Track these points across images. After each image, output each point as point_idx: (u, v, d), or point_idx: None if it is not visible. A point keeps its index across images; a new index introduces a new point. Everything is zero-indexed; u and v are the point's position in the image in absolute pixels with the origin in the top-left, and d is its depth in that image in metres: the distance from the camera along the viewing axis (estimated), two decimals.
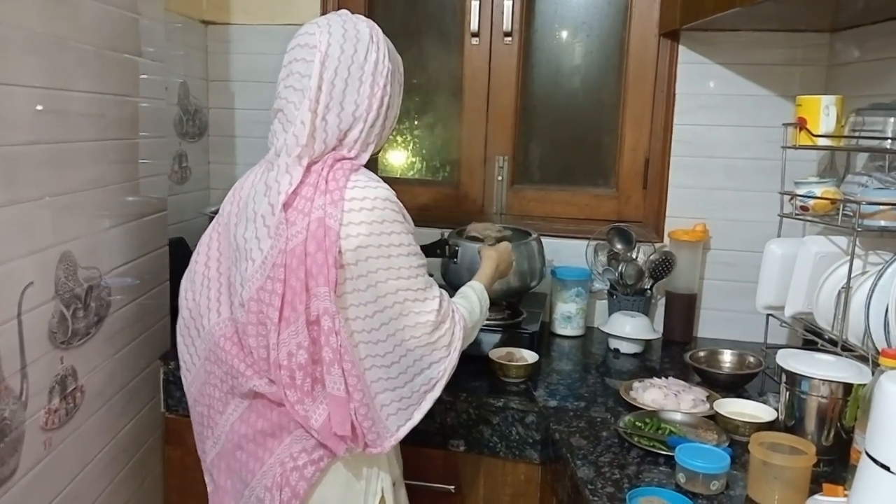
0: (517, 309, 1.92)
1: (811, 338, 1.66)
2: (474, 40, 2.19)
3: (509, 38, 2.17)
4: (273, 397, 1.19)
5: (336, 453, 1.19)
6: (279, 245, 1.14)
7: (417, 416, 1.25)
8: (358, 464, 1.26)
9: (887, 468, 0.92)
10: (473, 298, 1.39)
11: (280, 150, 1.20)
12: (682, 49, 2.03)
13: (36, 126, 1.26)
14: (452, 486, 1.63)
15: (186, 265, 2.01)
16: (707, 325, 2.09)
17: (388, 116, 1.26)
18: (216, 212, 1.97)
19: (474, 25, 2.16)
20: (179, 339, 1.33)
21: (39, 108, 1.26)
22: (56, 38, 1.30)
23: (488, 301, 1.44)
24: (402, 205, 1.24)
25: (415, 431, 1.60)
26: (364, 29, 1.22)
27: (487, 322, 1.77)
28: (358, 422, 1.17)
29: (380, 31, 1.25)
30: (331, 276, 1.12)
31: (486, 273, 1.51)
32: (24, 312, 1.24)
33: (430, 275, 1.28)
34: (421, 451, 1.63)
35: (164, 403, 1.79)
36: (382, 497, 1.29)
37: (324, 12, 2.19)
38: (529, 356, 1.72)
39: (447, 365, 1.26)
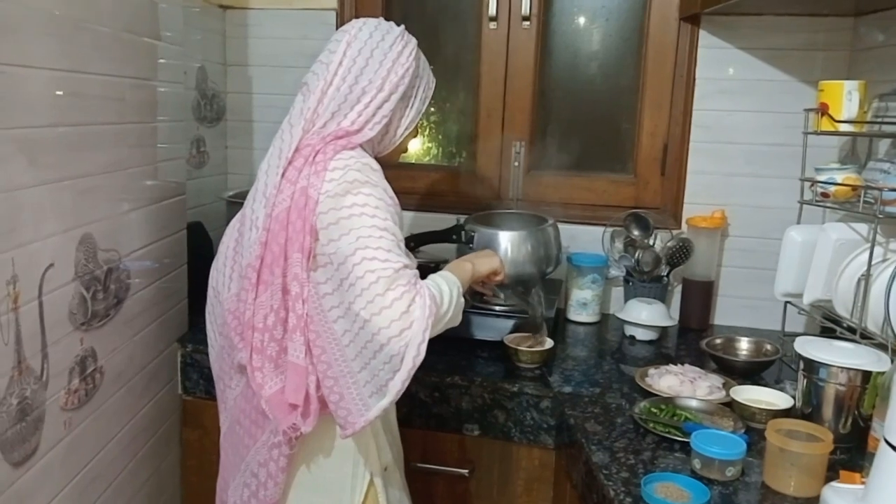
0: None
1: (829, 325, 1.65)
2: (492, 24, 2.17)
3: (527, 23, 2.15)
4: (248, 367, 1.21)
5: (279, 427, 1.19)
6: (267, 211, 1.19)
7: (384, 402, 1.15)
8: (343, 448, 1.27)
9: None
10: (440, 282, 1.26)
11: (296, 118, 1.25)
12: (702, 33, 2.01)
13: (55, 109, 1.27)
14: (467, 470, 1.64)
15: (204, 249, 2.04)
16: (724, 313, 2.08)
17: (401, 110, 1.30)
18: (234, 196, 2.01)
19: (492, 10, 2.15)
20: (207, 318, 1.38)
21: (59, 91, 1.27)
22: (74, 21, 1.31)
23: (459, 286, 1.29)
24: (380, 175, 1.22)
25: (429, 415, 1.63)
26: (397, 28, 1.30)
27: (503, 307, 1.79)
28: (318, 395, 1.17)
29: (415, 42, 1.31)
30: (305, 244, 1.15)
31: (452, 264, 1.40)
32: (45, 294, 1.25)
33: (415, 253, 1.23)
34: (436, 435, 1.64)
35: (182, 385, 1.81)
36: (371, 481, 1.30)
37: None
38: (544, 342, 1.72)
39: (408, 339, 1.12)
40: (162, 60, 1.65)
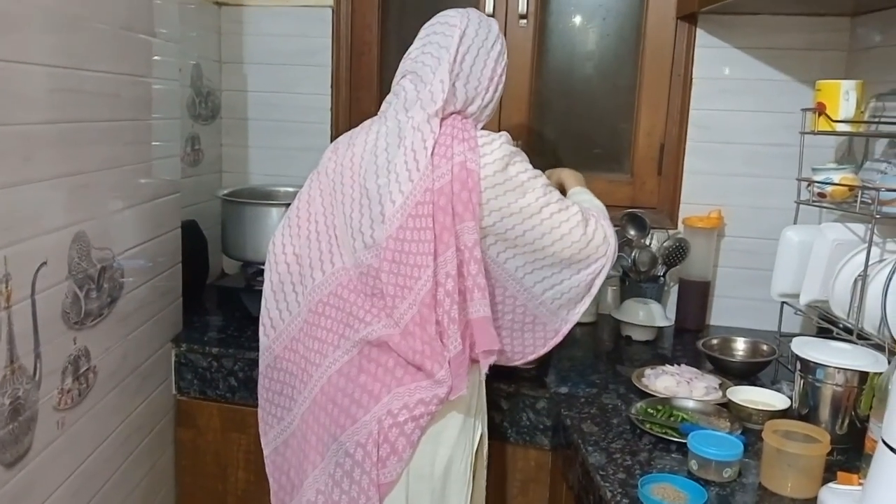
0: None
1: (826, 326, 1.64)
2: None
3: (524, 21, 2.14)
4: (389, 340, 1.25)
5: (457, 388, 1.23)
6: (425, 185, 1.25)
7: (581, 307, 1.40)
8: (471, 403, 1.31)
9: None
10: (584, 196, 1.50)
11: (412, 104, 1.32)
12: (699, 32, 2.01)
13: (51, 105, 1.25)
14: None
15: (198, 247, 2.03)
16: (720, 313, 2.08)
17: (496, 102, 1.40)
18: (229, 194, 2.00)
19: (489, 7, 2.14)
20: (270, 296, 1.41)
21: (55, 86, 1.26)
22: (72, 17, 1.30)
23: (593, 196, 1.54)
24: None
25: None
26: (494, 24, 1.40)
27: None
28: (517, 333, 1.38)
29: (501, 32, 1.42)
30: (476, 212, 1.25)
31: (573, 181, 1.60)
32: (38, 292, 1.24)
33: None
34: None
35: (176, 385, 1.80)
36: (482, 432, 1.36)
37: None
38: None
39: (608, 256, 1.36)
40: (157, 57, 1.64)
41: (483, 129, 1.36)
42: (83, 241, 1.37)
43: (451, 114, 1.32)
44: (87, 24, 1.35)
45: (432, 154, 1.26)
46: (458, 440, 1.29)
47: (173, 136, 1.78)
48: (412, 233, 1.24)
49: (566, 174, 1.64)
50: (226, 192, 2.03)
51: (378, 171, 1.30)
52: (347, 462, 1.26)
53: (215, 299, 2.08)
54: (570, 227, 1.31)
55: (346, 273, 1.32)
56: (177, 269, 1.80)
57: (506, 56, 1.40)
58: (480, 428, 1.35)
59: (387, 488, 1.24)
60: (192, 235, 1.98)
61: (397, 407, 1.24)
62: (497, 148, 1.29)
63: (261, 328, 1.42)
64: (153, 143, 1.65)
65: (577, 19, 2.20)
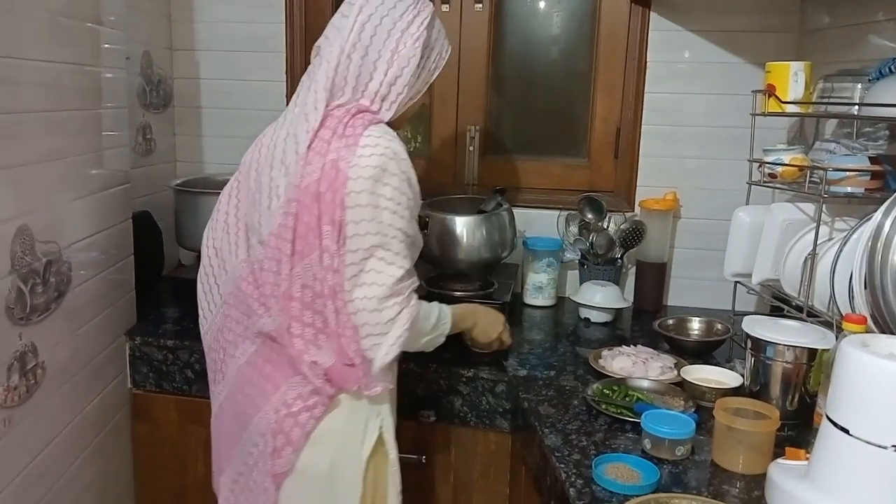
0: (488, 280, 1.91)
1: (778, 304, 1.67)
2: (444, 7, 2.15)
3: (480, 6, 2.13)
4: (276, 335, 1.22)
5: (343, 386, 1.22)
6: (294, 182, 1.18)
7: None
8: (358, 404, 1.27)
9: (846, 431, 0.93)
10: (434, 311, 1.32)
11: (314, 83, 1.24)
12: (653, 16, 2.02)
13: None
14: (423, 457, 1.63)
15: (152, 238, 2.00)
16: (677, 294, 2.10)
17: (411, 83, 1.25)
18: (182, 184, 1.96)
19: None
20: (199, 287, 1.37)
21: None
22: (6, 4, 1.25)
23: (448, 328, 1.35)
24: (408, 162, 1.22)
25: None
26: None
27: (459, 293, 1.78)
28: (351, 358, 1.21)
29: (430, 9, 1.28)
30: (336, 217, 1.17)
31: (460, 308, 1.45)
32: None
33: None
34: None
35: (132, 379, 1.77)
36: (380, 436, 1.30)
37: None
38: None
39: (381, 341, 1.20)
40: (106, 45, 1.60)
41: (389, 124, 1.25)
42: (26, 235, 1.33)
43: (350, 101, 1.22)
44: (21, 11, 1.30)
45: (310, 149, 1.19)
46: (343, 442, 1.26)
47: (122, 125, 1.73)
48: (286, 230, 1.19)
49: (469, 305, 1.54)
50: (179, 181, 1.99)
51: (273, 163, 1.24)
52: (255, 452, 1.26)
53: (171, 291, 2.05)
54: (374, 280, 1.19)
55: (246, 266, 1.26)
56: (129, 261, 1.77)
57: (423, 28, 1.24)
58: (377, 431, 1.28)
59: (281, 478, 1.24)
60: (145, 227, 1.94)
61: (292, 397, 1.22)
62: (378, 154, 1.18)
63: (199, 316, 1.38)
64: (101, 133, 1.61)
65: (534, 4, 2.19)
